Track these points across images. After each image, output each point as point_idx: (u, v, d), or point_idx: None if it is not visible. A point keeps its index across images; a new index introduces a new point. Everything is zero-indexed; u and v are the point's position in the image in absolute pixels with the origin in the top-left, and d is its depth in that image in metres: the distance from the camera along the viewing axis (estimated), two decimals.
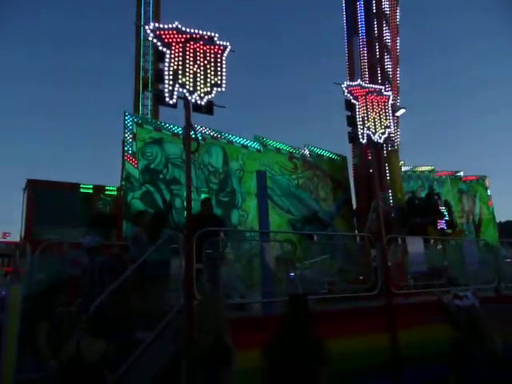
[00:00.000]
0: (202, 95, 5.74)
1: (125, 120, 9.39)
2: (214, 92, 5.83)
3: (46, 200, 7.77)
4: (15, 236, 50.14)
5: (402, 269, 8.37)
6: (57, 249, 6.79)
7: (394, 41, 12.88)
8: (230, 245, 7.56)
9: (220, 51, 5.98)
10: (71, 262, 6.43)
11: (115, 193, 9.29)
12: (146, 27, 5.72)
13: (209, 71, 5.82)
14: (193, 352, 3.30)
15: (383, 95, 7.86)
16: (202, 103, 5.75)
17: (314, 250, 8.66)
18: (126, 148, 9.27)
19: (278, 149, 11.65)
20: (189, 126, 5.73)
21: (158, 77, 5.73)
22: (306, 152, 12.13)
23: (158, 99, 5.74)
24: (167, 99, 5.58)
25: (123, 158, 9.30)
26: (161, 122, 10.36)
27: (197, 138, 6.13)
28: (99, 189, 8.86)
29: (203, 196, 9.69)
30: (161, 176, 9.61)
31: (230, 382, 3.26)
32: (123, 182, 9.21)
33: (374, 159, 8.38)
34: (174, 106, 5.67)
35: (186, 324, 5.27)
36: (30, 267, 6.32)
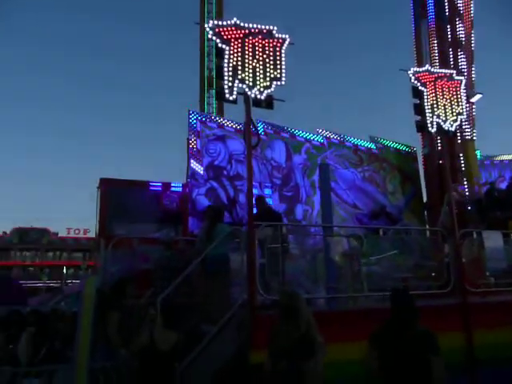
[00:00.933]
0: (262, 90, 5.72)
1: (189, 118, 9.64)
2: (273, 86, 5.79)
3: (118, 197, 8.18)
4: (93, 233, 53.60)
5: (479, 265, 7.82)
6: (128, 244, 7.12)
7: (468, 33, 12.01)
8: (294, 240, 7.49)
9: (279, 44, 5.92)
10: (141, 257, 6.71)
11: (181, 189, 9.58)
12: (206, 25, 5.81)
13: (268, 65, 5.79)
14: (278, 344, 3.34)
15: (454, 80, 7.36)
16: (262, 98, 5.73)
17: (383, 246, 8.36)
18: (190, 145, 9.52)
19: (343, 141, 11.36)
20: (249, 121, 5.74)
21: (219, 73, 5.80)
22: (372, 144, 11.72)
23: (219, 95, 5.81)
24: (227, 95, 5.62)
25: (188, 155, 9.56)
26: (223, 119, 10.51)
27: (257, 132, 6.15)
28: (166, 186, 9.18)
29: (267, 191, 9.71)
30: (224, 172, 9.76)
31: (314, 375, 3.27)
32: (188, 179, 9.47)
33: (446, 149, 7.90)
34: (235, 101, 5.71)
35: (249, 318, 5.32)
36: (103, 261, 6.68)
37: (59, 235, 55.00)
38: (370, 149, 11.61)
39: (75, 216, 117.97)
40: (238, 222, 8.46)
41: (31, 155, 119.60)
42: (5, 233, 53.11)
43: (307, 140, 10.88)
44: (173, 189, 8.98)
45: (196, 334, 5.82)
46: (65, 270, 53.22)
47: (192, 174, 9.33)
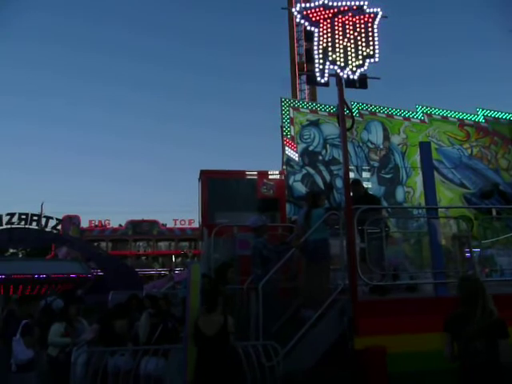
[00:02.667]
0: (354, 69, 5.52)
1: (281, 106, 9.67)
2: (366, 64, 5.56)
3: (218, 187, 8.52)
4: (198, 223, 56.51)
5: None
6: (228, 231, 7.39)
7: None
8: (395, 223, 7.18)
9: (370, 20, 5.66)
10: (240, 243, 6.92)
11: (277, 177, 9.66)
12: (293, 9, 5.74)
13: (360, 43, 5.56)
14: (467, 329, 3.35)
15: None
16: (355, 77, 5.54)
17: (497, 227, 7.68)
18: (284, 133, 9.55)
19: (446, 117, 10.57)
20: (342, 104, 5.59)
21: (309, 57, 5.70)
22: (480, 117, 10.73)
23: (310, 80, 5.73)
24: (318, 78, 5.51)
25: (283, 142, 9.60)
26: (316, 104, 10.37)
27: (352, 114, 5.95)
28: (263, 174, 9.33)
29: (364, 175, 9.42)
30: (320, 157, 9.66)
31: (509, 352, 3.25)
32: (284, 166, 9.52)
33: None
34: (326, 84, 5.59)
35: (351, 304, 5.23)
36: (206, 249, 7.00)
37: (167, 226, 58.97)
38: (478, 122, 10.65)
39: (181, 207, 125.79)
40: (336, 207, 8.33)
41: (139, 149, 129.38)
42: (120, 225, 58.33)
43: (406, 118, 10.31)
44: (270, 176, 9.11)
45: (297, 318, 5.89)
46: (173, 259, 56.93)
47: (287, 160, 9.38)
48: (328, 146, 9.73)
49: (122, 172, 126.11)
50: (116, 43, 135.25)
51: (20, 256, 55.84)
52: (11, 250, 60.01)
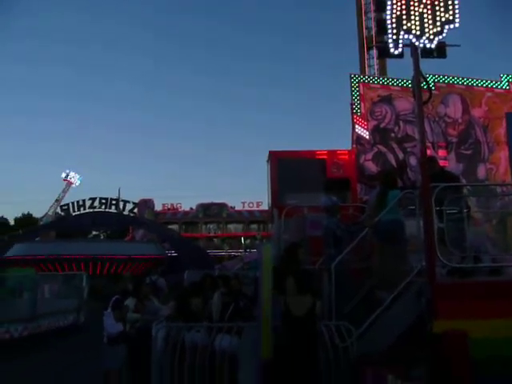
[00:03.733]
0: (432, 37, 5.15)
1: (351, 82, 9.34)
2: (445, 31, 5.17)
3: (287, 168, 8.46)
4: (266, 204, 56.98)
5: None
6: (298, 212, 7.34)
7: None
8: (476, 203, 6.73)
9: None
10: (311, 224, 6.85)
11: (347, 156, 9.40)
12: None
13: (438, 8, 5.17)
14: None
15: None
16: (432, 46, 5.17)
17: None
18: (354, 110, 9.24)
19: None
20: (418, 75, 5.26)
21: (381, 28, 5.41)
22: None
23: (382, 52, 5.43)
24: (392, 50, 5.22)
25: (352, 120, 9.31)
26: (388, 78, 9.90)
27: (428, 87, 5.59)
28: (332, 154, 9.13)
29: (441, 152, 8.90)
30: (392, 134, 9.25)
31: None
32: (354, 145, 9.25)
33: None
34: (400, 55, 5.28)
35: (429, 286, 5.01)
36: (277, 230, 7.02)
37: (236, 208, 60.20)
38: None
39: (249, 190, 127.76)
40: (410, 187, 7.96)
41: (209, 132, 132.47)
42: (191, 208, 60.45)
43: (488, 89, 9.53)
44: (339, 156, 8.89)
45: (370, 300, 5.75)
46: (243, 241, 58.13)
47: (357, 139, 9.09)
48: (401, 122, 9.27)
49: (192, 156, 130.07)
50: (194, 32, 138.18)
51: (102, 238, 59.93)
52: (94, 233, 64.46)
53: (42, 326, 11.89)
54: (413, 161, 8.94)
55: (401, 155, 9.12)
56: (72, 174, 58.15)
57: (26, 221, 61.78)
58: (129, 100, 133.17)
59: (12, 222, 64.44)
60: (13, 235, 45.32)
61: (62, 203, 54.77)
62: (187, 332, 5.29)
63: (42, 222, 50.29)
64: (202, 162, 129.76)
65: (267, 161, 8.89)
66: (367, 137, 9.13)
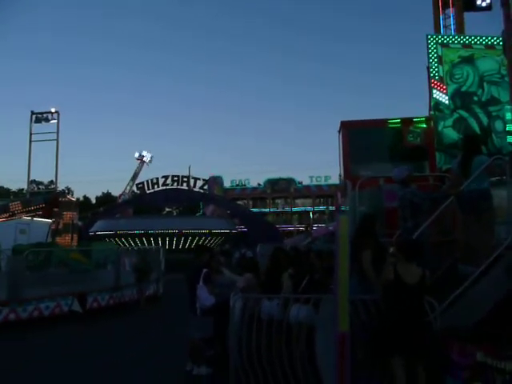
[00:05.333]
0: None
1: (428, 44, 8.70)
2: None
3: (359, 138, 8.15)
4: (335, 179, 55.94)
5: None
6: (373, 184, 7.08)
7: None
8: None
9: None
10: (387, 195, 6.57)
11: (424, 124, 8.87)
12: None
13: None
14: None
15: None
16: None
17: None
18: (431, 74, 8.64)
19: None
20: (510, 27, 4.76)
21: None
22: None
23: (467, 4, 4.97)
24: (478, 2, 4.75)
25: (429, 85, 8.72)
26: (470, 37, 9.10)
27: None
28: (407, 122, 8.65)
29: None
30: (475, 98, 8.55)
31: None
32: (432, 112, 8.68)
33: None
34: (488, 7, 4.81)
35: None
36: (351, 202, 6.82)
37: (303, 183, 59.91)
38: None
39: (316, 164, 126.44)
40: (496, 153, 7.35)
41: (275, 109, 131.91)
42: (259, 184, 61.03)
43: None
44: (415, 124, 8.39)
45: (453, 274, 5.45)
46: (311, 215, 57.93)
47: (435, 105, 8.52)
48: (485, 83, 8.52)
49: (259, 131, 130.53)
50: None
51: (174, 214, 62.50)
52: (167, 209, 67.33)
53: (125, 295, 12.68)
54: (498, 125, 8.25)
55: (485, 120, 8.43)
56: (144, 152, 60.62)
57: (106, 199, 65.95)
58: (196, 76, 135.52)
59: (93, 201, 69.13)
60: (95, 212, 48.61)
61: (136, 181, 57.50)
62: (263, 303, 5.35)
63: (120, 200, 53.30)
64: (270, 137, 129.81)
65: (339, 131, 8.62)
66: (446, 102, 8.52)
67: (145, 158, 59.93)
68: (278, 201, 61.09)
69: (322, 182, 58.27)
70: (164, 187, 50.35)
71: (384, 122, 8.62)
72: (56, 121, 30.82)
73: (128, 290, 12.98)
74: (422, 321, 4.39)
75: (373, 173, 7.51)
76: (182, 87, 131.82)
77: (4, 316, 9.50)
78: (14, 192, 61.73)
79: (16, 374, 6.36)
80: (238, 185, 60.44)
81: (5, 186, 65.83)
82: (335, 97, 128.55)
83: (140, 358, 7.09)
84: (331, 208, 55.98)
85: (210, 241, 31.44)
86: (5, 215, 17.51)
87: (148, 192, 50.70)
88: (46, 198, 18.17)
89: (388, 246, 5.45)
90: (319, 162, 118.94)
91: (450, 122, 8.43)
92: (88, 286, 11.76)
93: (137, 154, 60.22)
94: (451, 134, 8.27)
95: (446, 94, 8.53)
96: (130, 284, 13.33)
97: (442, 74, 8.59)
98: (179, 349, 6.84)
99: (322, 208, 58.75)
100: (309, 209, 58.86)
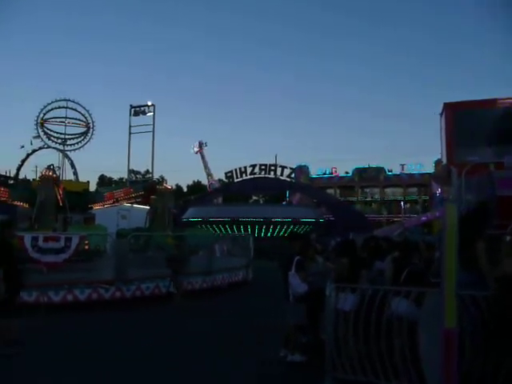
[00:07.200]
0: None
1: None
2: None
3: (465, 121, 7.52)
4: (429, 167, 52.80)
5: None
6: (482, 170, 6.49)
7: None
8: None
9: None
10: (501, 182, 5.98)
11: None
12: None
13: None
14: None
15: None
16: None
17: None
18: None
19: None
20: None
21: None
22: None
23: None
24: None
25: None
26: None
27: None
28: None
29: None
30: None
31: None
32: None
33: None
34: None
35: None
36: (457, 190, 6.33)
37: (394, 172, 57.48)
38: None
39: (407, 152, 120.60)
40: None
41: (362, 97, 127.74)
42: (347, 173, 59.69)
43: None
44: None
45: None
46: (402, 205, 55.53)
47: None
48: None
49: (346, 119, 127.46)
50: None
51: (261, 202, 63.45)
52: (254, 197, 68.51)
53: (217, 279, 13.13)
54: None
55: None
56: (197, 143, 58.07)
57: (196, 187, 68.91)
58: (285, 65, 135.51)
59: (185, 189, 72.61)
60: (186, 200, 51.00)
61: (210, 170, 57.27)
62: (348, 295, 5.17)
63: (209, 189, 55.28)
64: (357, 125, 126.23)
65: (441, 114, 8.03)
66: None
67: (203, 148, 58.28)
68: (367, 190, 59.28)
69: (414, 171, 55.40)
70: (251, 176, 51.22)
71: (494, 101, 7.85)
72: (152, 113, 32.68)
73: (220, 274, 13.41)
74: None
75: (481, 158, 6.89)
76: (271, 77, 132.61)
77: (111, 294, 10.31)
78: (115, 181, 66.90)
79: (126, 344, 6.87)
80: (324, 173, 59.63)
81: (108, 176, 71.67)
82: (434, 78, 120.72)
83: (235, 341, 7.26)
84: (424, 197, 53.17)
85: (297, 229, 31.47)
86: (109, 202, 18.99)
87: (236, 180, 51.95)
88: (144, 186, 19.35)
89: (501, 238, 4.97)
90: (411, 150, 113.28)
91: None
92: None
93: (195, 149, 58.73)
94: None
95: None
96: (222, 269, 13.76)
97: None
98: (270, 335, 6.90)
99: (413, 197, 55.98)
100: (399, 198, 56.44)
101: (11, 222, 8.44)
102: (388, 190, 58.29)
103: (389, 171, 57.70)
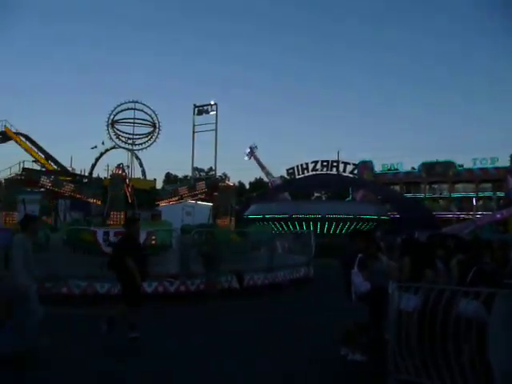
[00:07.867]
0: None
1: None
2: None
3: None
4: (504, 161, 49.52)
5: None
6: None
7: None
8: None
9: None
10: None
11: None
12: None
13: None
14: None
15: None
16: None
17: None
18: None
19: None
20: None
21: None
22: None
23: None
24: None
25: None
26: None
27: None
28: None
29: None
30: None
31: None
32: None
33: None
34: None
35: None
36: None
37: (465, 166, 54.44)
38: None
39: (479, 145, 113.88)
40: None
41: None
42: (413, 168, 57.28)
43: None
44: None
45: None
46: (474, 202, 52.52)
47: None
48: None
49: (411, 114, 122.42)
50: None
51: (323, 199, 62.70)
52: (316, 194, 67.85)
53: (278, 276, 13.17)
54: None
55: None
56: (247, 150, 57.18)
57: (258, 184, 69.48)
58: (349, 60, 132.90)
59: (247, 186, 73.50)
60: (249, 197, 51.57)
61: (268, 170, 56.75)
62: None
63: (271, 186, 55.46)
64: (423, 119, 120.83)
65: None
66: None
67: (254, 152, 56.93)
68: (435, 186, 56.56)
69: (488, 165, 52.05)
70: (313, 172, 50.77)
71: None
72: (215, 112, 33.35)
73: (281, 271, 13.45)
74: None
75: None
76: (336, 73, 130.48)
77: (176, 288, 10.70)
78: (180, 178, 69.14)
79: (194, 335, 7.12)
80: (389, 169, 57.63)
81: (173, 173, 74.26)
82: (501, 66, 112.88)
83: (294, 338, 7.28)
84: (499, 194, 49.86)
85: (360, 227, 30.78)
86: (174, 199, 19.65)
87: (298, 177, 51.74)
88: (208, 184, 19.82)
89: None
90: (483, 143, 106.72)
91: None
92: (245, 266, 12.50)
93: (247, 152, 56.90)
94: None
95: None
96: (283, 265, 13.79)
97: None
98: (331, 333, 6.82)
99: (487, 194, 52.69)
100: (471, 194, 53.38)
101: (135, 218, 9.08)
102: (458, 186, 55.28)
103: (459, 166, 54.69)
